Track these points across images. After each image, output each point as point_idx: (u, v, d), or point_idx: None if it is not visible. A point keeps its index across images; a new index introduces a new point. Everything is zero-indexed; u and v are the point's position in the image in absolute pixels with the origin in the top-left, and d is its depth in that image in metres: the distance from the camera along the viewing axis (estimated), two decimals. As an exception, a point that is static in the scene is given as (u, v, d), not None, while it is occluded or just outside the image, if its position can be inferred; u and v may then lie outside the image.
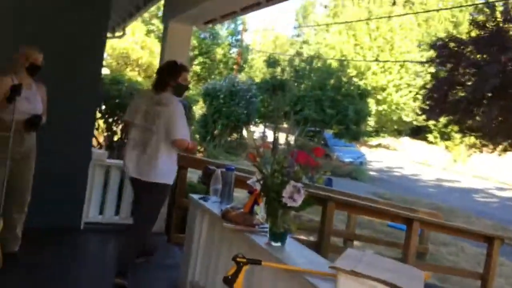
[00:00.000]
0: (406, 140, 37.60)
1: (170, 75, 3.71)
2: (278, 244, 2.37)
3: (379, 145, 37.07)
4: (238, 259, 1.96)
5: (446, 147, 33.10)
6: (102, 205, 5.03)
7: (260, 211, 2.76)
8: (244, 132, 18.67)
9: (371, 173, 22.11)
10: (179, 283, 3.51)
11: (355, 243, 6.65)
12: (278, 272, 2.13)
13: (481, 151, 12.55)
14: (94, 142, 8.80)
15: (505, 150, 11.85)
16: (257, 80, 23.17)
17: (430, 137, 34.85)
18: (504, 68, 9.34)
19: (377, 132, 40.03)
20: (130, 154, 3.69)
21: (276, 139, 2.72)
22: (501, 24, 10.01)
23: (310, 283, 1.86)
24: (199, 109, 18.63)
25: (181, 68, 3.76)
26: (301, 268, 1.98)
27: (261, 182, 2.43)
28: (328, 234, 4.55)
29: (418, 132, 37.29)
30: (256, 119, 21.16)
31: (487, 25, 10.16)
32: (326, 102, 19.49)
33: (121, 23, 9.06)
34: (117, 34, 9.84)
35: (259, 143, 2.68)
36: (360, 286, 1.62)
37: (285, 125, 24.62)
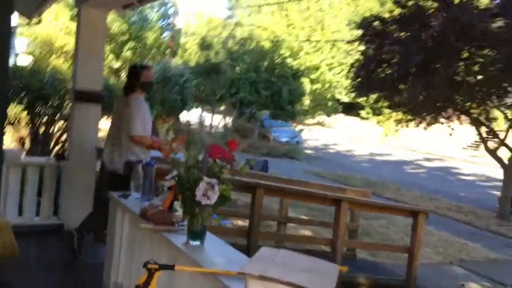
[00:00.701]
0: (340, 117, 38.60)
1: (132, 77, 4.16)
2: (197, 242, 2.29)
3: (315, 124, 37.88)
4: (149, 266, 1.86)
5: (378, 122, 34.38)
6: (21, 206, 4.73)
7: (181, 207, 2.67)
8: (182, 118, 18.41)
9: (308, 151, 22.55)
10: (103, 284, 3.37)
11: (290, 225, 6.74)
12: (195, 274, 2.06)
13: (408, 126, 13.05)
14: (14, 137, 8.29)
15: (430, 123, 12.38)
16: (192, 63, 22.81)
17: (363, 113, 35.98)
18: (425, 45, 9.68)
19: (313, 111, 40.86)
20: (106, 149, 4.23)
21: (201, 124, 2.63)
22: (420, 2, 10.35)
23: (224, 285, 1.81)
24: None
25: (140, 69, 4.20)
26: (215, 270, 1.92)
27: (176, 179, 2.33)
28: (257, 220, 4.54)
29: (351, 109, 38.39)
30: (192, 104, 20.87)
31: (408, 4, 10.48)
32: (261, 84, 19.54)
33: (37, 8, 8.49)
34: (33, 20, 9.23)
35: (179, 135, 2.63)
36: (271, 290, 1.58)
37: (222, 108, 24.51)
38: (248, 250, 4.66)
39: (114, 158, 4.10)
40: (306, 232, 7.47)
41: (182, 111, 16.69)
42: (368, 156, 23.06)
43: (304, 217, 8.42)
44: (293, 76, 20.37)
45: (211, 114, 22.06)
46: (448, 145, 27.50)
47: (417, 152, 26.22)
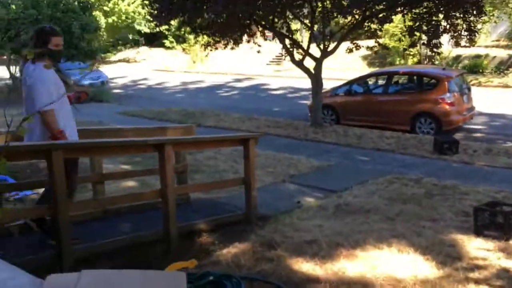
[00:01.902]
0: (145, 50, 36.77)
1: (38, 42, 3.88)
2: None
3: (120, 60, 35.46)
4: None
5: (183, 50, 33.64)
6: None
7: None
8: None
9: (116, 91, 20.88)
10: None
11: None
12: None
13: (216, 48, 12.56)
14: None
15: (235, 43, 12.05)
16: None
17: (167, 42, 34.80)
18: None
19: (114, 47, 38.03)
20: None
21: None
22: None
23: None
24: None
25: (50, 33, 3.95)
26: None
27: None
28: (61, 190, 3.49)
29: (154, 40, 36.79)
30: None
31: None
32: (45, 22, 16.83)
33: None
34: None
35: None
36: None
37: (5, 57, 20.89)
38: (57, 231, 3.62)
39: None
40: (131, 183, 6.57)
41: None
42: (180, 87, 22.39)
43: (125, 167, 7.45)
44: (82, 10, 18.00)
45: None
46: (253, 63, 28.37)
47: (227, 75, 26.43)
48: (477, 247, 4.41)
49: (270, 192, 6.56)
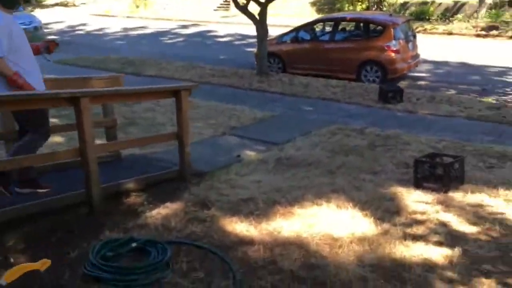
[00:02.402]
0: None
1: None
2: None
3: (57, 4, 33.12)
4: None
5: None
6: None
7: None
8: None
9: (51, 37, 19.47)
10: None
11: None
12: None
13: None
14: None
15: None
16: None
17: (108, -15, 32.73)
18: None
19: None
20: None
21: None
22: None
23: None
24: None
25: None
26: None
27: None
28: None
29: (94, -18, 34.50)
30: None
31: None
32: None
33: None
34: None
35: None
36: None
37: None
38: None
39: None
40: (57, 139, 6.05)
41: None
42: (122, 33, 21.16)
43: (53, 121, 6.86)
44: None
45: None
46: (200, 9, 27.22)
47: (172, 21, 25.24)
48: (416, 200, 4.31)
49: (209, 146, 6.25)
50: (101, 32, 21.57)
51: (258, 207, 4.14)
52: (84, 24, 24.13)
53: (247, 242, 3.56)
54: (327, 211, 4.09)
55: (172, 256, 3.26)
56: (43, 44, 4.54)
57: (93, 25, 23.83)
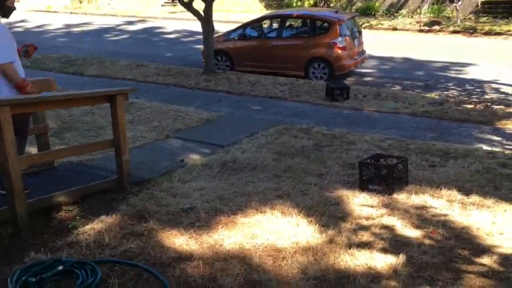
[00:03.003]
0: (23, -13, 32.84)
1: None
2: None
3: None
4: None
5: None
6: None
7: None
8: None
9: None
10: None
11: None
12: None
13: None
14: None
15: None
16: None
17: (49, -21, 31.31)
18: None
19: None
20: None
21: None
22: None
23: None
24: None
25: None
26: None
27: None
28: None
29: (34, -24, 32.96)
30: None
31: None
32: None
33: None
34: None
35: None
36: None
37: None
38: None
39: None
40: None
41: None
42: (64, 29, 20.26)
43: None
44: None
45: None
46: (147, 4, 26.53)
47: (118, 16, 24.45)
48: (362, 204, 4.25)
49: (151, 151, 5.98)
50: (41, 29, 20.58)
51: (200, 218, 3.94)
52: (23, 21, 22.93)
53: (186, 257, 3.36)
54: (271, 218, 3.95)
55: (101, 278, 3.01)
56: (22, 48, 4.64)
57: (33, 21, 22.70)
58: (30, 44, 4.79)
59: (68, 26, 20.99)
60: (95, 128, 6.75)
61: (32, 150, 5.40)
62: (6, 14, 4.26)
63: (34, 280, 2.92)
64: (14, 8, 4.30)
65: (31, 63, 12.22)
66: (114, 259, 3.28)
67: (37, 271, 3.01)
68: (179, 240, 3.59)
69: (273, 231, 3.71)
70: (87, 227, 3.82)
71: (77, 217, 4.00)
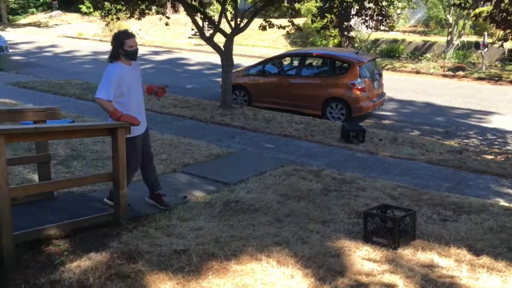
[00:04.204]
0: (58, 14, 34.04)
1: (116, 45, 4.58)
2: None
3: (29, 24, 32.56)
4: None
5: (102, 17, 31.45)
6: None
7: None
8: None
9: (16, 58, 18.94)
10: None
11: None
12: None
13: (118, 18, 11.50)
14: None
15: (141, 14, 11.06)
16: None
17: (83, 7, 32.40)
18: None
19: (24, 9, 34.89)
20: None
21: None
22: None
23: None
24: None
25: (123, 37, 4.59)
26: None
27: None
28: None
29: (69, 4, 34.16)
30: None
31: None
32: None
33: None
34: None
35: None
36: None
37: None
38: None
39: None
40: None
41: None
42: (91, 56, 20.76)
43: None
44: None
45: None
46: (174, 36, 27.07)
47: (145, 46, 24.96)
48: (364, 257, 4.02)
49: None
50: (69, 55, 21.13)
51: (191, 262, 3.77)
52: (53, 46, 23.64)
53: (170, 306, 3.19)
54: (266, 267, 3.75)
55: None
56: (154, 89, 5.07)
57: (63, 47, 23.37)
58: (161, 86, 5.07)
59: (95, 53, 21.49)
60: (102, 158, 6.70)
61: (35, 177, 5.37)
62: (129, 57, 4.63)
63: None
64: (134, 50, 4.62)
65: (52, 88, 12.45)
66: (92, 304, 3.13)
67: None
68: (166, 286, 3.42)
69: (266, 282, 3.51)
70: (74, 264, 3.68)
71: (66, 253, 3.87)
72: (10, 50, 19.00)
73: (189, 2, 10.74)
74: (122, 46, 4.56)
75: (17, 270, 3.55)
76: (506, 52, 19.05)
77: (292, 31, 11.81)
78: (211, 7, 12.04)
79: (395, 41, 21.86)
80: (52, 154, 6.65)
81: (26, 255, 3.78)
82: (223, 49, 10.50)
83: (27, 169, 6.00)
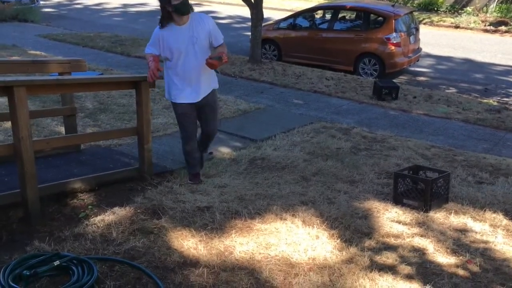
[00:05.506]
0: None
1: (162, 2, 4.02)
2: None
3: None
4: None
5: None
6: None
7: None
8: None
9: (47, 10, 18.92)
10: None
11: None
12: None
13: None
14: None
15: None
16: None
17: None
18: None
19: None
20: None
21: None
22: None
23: None
24: None
25: None
26: None
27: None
28: None
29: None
30: None
31: None
32: None
33: None
34: None
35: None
36: None
37: None
38: None
39: None
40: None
41: None
42: (121, 9, 20.54)
43: None
44: None
45: None
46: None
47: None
48: (393, 219, 3.87)
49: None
50: (99, 7, 20.97)
51: (214, 219, 3.71)
52: (83, -2, 23.49)
53: (192, 263, 3.14)
54: (290, 227, 3.66)
55: (98, 278, 2.84)
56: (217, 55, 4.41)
57: (92, 0, 23.20)
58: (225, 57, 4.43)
59: (125, 5, 21.26)
60: (129, 112, 6.64)
61: (62, 130, 5.37)
62: (179, 11, 3.98)
63: (28, 273, 2.79)
64: (182, 2, 3.93)
65: (81, 40, 12.41)
66: (115, 258, 3.11)
67: (33, 264, 2.88)
68: (188, 243, 3.37)
69: (290, 242, 3.42)
70: (98, 218, 3.67)
71: (90, 206, 3.87)
72: (41, 2, 19.00)
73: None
74: (170, 1, 3.92)
75: (41, 222, 3.57)
76: (554, 6, 17.87)
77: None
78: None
79: (434, -7, 20.75)
80: (80, 107, 6.67)
81: (51, 208, 3.79)
82: (253, 1, 10.14)
83: (55, 121, 6.01)
